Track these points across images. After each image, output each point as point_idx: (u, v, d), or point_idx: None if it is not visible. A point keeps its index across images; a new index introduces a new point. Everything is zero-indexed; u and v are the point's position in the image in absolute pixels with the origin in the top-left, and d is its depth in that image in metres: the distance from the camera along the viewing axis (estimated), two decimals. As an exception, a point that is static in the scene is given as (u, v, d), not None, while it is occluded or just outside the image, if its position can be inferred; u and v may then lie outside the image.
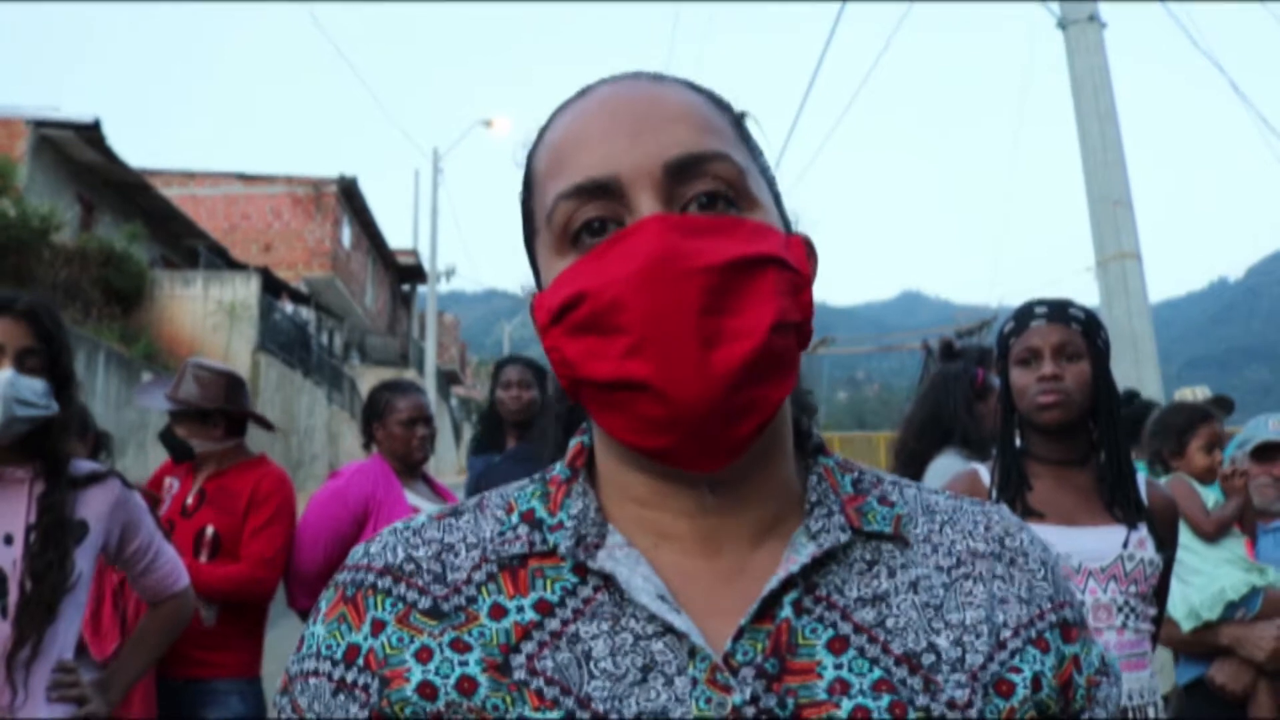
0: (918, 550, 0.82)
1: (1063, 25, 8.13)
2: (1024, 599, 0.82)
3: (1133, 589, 2.17)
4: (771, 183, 0.85)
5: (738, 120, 0.84)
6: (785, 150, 13.16)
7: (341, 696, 0.78)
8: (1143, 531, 2.22)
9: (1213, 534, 3.26)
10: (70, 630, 2.23)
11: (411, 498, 3.58)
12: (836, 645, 0.75)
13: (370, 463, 3.67)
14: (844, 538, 0.79)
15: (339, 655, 0.79)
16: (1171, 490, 3.26)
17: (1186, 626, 3.16)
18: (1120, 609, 2.16)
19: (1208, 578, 3.15)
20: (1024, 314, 2.34)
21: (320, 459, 22.05)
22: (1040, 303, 2.34)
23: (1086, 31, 8.01)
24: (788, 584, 0.76)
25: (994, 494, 2.29)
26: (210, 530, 3.57)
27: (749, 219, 0.76)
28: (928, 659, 0.76)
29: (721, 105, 0.84)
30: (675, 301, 0.70)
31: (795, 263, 0.77)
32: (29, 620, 2.09)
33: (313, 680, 0.80)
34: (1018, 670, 0.78)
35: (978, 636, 0.78)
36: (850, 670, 0.74)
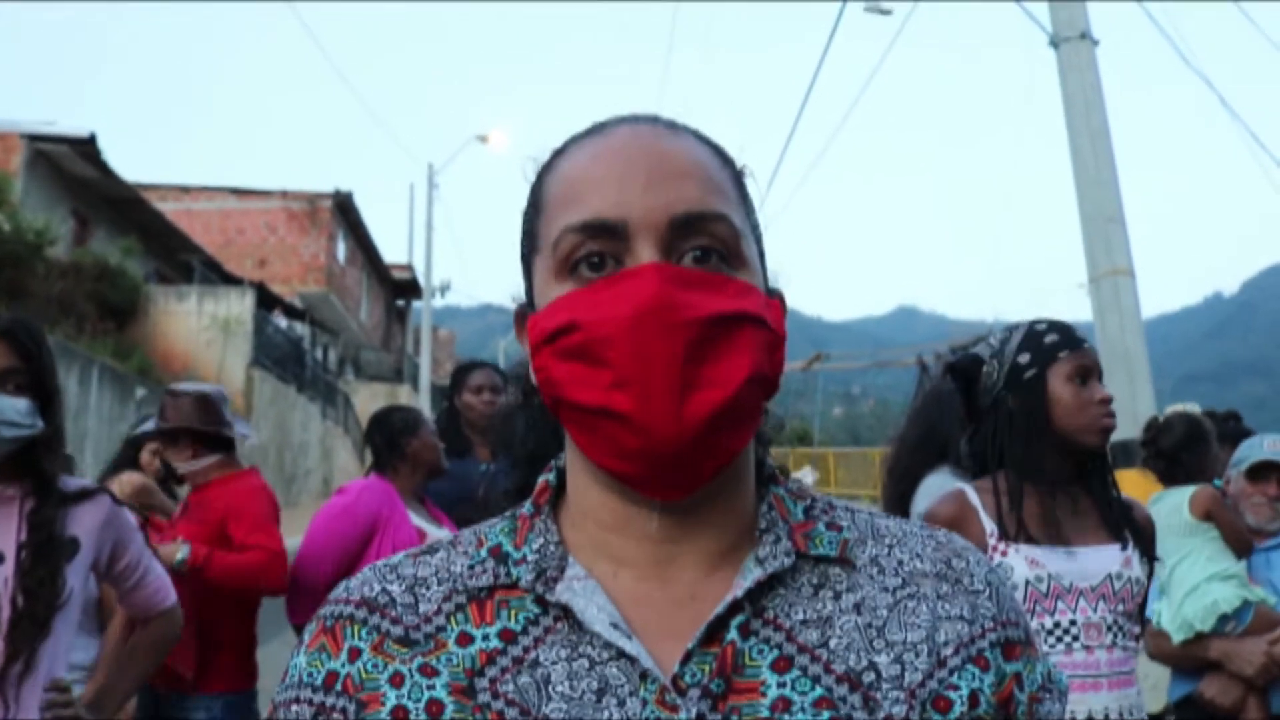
0: (864, 573, 0.86)
1: (1054, 43, 8.16)
2: (966, 618, 0.85)
3: (1120, 607, 2.17)
4: (759, 240, 0.91)
5: (738, 175, 0.90)
6: (780, 165, 13.18)
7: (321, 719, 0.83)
8: (1130, 550, 2.23)
9: (1249, 549, 3.27)
10: (62, 647, 2.23)
11: (414, 518, 3.59)
12: (780, 665, 0.80)
13: (376, 481, 3.69)
14: (789, 562, 0.84)
15: (319, 682, 0.84)
16: (1207, 504, 3.24)
17: (1178, 638, 3.16)
18: (1109, 628, 2.16)
19: (1201, 591, 3.16)
20: (1070, 331, 2.35)
21: (314, 474, 22.02)
22: (1073, 326, 2.36)
23: (1078, 49, 8.04)
24: (735, 608, 0.81)
25: (997, 512, 2.25)
26: (180, 540, 3.62)
27: (737, 278, 0.82)
28: (868, 677, 0.80)
29: (726, 160, 0.90)
30: (662, 348, 0.76)
31: (773, 323, 0.84)
32: (21, 637, 2.09)
33: (294, 707, 0.84)
34: (955, 688, 0.82)
35: (918, 655, 0.82)
36: (793, 689, 0.78)
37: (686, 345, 0.76)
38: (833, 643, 0.81)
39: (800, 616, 0.82)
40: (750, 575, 0.82)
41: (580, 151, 0.87)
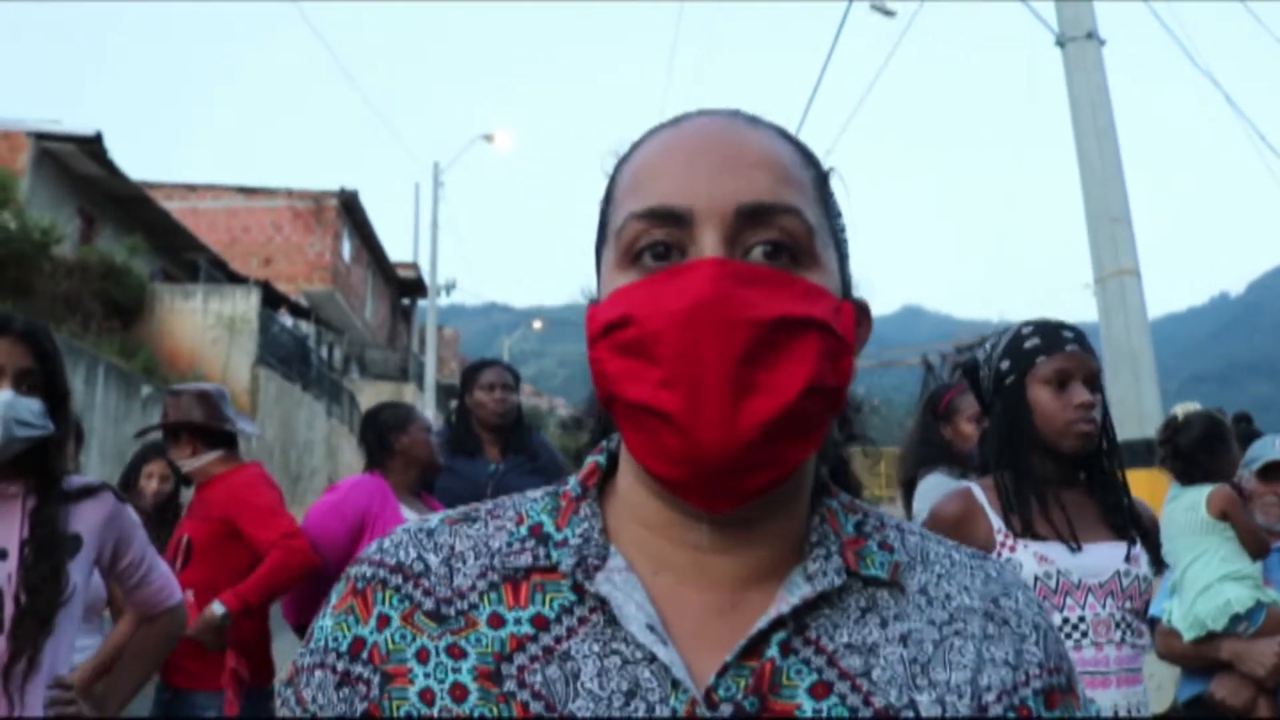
0: (912, 602, 0.83)
1: (1061, 43, 8.14)
2: (1011, 663, 0.82)
3: (1128, 605, 2.18)
4: (841, 244, 0.87)
5: (822, 177, 0.87)
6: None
7: (345, 690, 0.81)
8: (1138, 548, 2.22)
9: (1265, 551, 3.26)
10: (65, 644, 2.23)
11: (408, 514, 3.58)
12: (819, 690, 0.76)
13: (367, 478, 3.69)
14: (839, 581, 0.80)
15: (344, 648, 0.82)
16: (1223, 504, 3.22)
17: (1189, 636, 3.14)
18: (1118, 625, 2.17)
19: (1214, 590, 3.15)
20: (1053, 334, 2.31)
21: (320, 473, 22.02)
22: (1066, 327, 2.32)
23: (1085, 49, 8.02)
24: (777, 623, 0.77)
25: (1003, 512, 2.26)
26: (186, 539, 3.63)
27: (804, 278, 0.78)
28: (907, 714, 0.76)
29: (809, 159, 0.86)
30: (715, 347, 0.72)
31: (841, 330, 0.79)
32: (24, 634, 2.09)
33: (318, 673, 0.82)
34: None
35: (960, 697, 0.79)
36: (828, 717, 0.75)
37: (742, 346, 0.72)
38: (875, 674, 0.77)
39: (845, 640, 0.79)
40: (797, 591, 0.79)
41: (654, 141, 0.85)
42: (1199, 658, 3.20)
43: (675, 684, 0.74)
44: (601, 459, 0.90)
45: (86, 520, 2.28)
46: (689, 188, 0.78)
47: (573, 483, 0.89)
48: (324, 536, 3.52)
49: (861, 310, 0.87)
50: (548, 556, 0.82)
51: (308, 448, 21.58)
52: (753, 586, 0.81)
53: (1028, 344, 2.32)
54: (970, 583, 0.86)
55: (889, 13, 10.63)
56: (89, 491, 2.31)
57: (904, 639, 0.80)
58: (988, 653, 0.81)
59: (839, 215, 0.88)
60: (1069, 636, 2.13)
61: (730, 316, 0.73)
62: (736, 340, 0.72)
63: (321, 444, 22.78)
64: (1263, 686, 3.07)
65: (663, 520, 0.82)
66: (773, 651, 0.76)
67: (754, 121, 0.85)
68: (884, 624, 0.80)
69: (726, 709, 0.74)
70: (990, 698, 0.79)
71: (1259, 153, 9.29)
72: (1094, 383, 2.26)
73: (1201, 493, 3.26)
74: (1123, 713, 2.12)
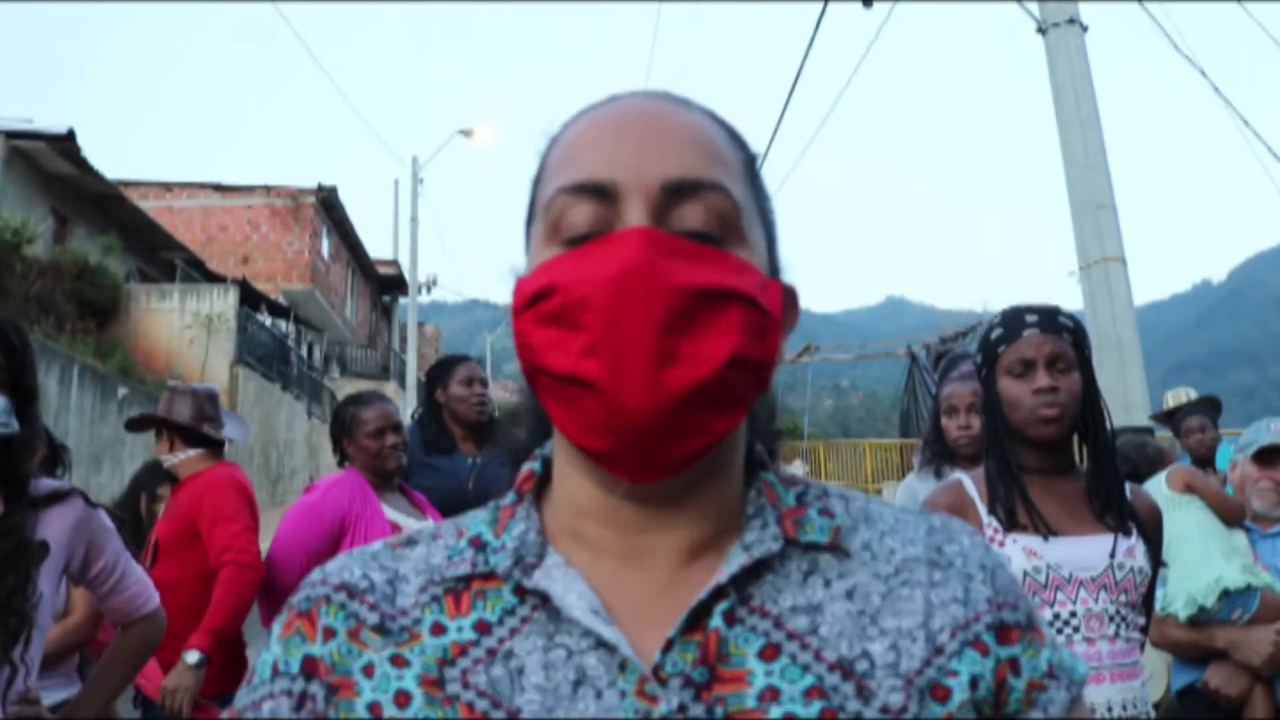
0: (857, 559, 0.83)
1: (1043, 29, 8.13)
2: (960, 601, 0.81)
3: (1123, 598, 2.13)
4: (770, 227, 0.87)
5: (750, 159, 0.87)
6: (767, 156, 13.12)
7: (303, 712, 0.79)
8: (1132, 540, 2.17)
9: (1239, 516, 3.30)
10: (33, 654, 2.15)
11: (389, 511, 3.51)
12: (768, 653, 0.76)
13: (345, 476, 3.60)
14: (776, 547, 0.80)
15: (295, 669, 0.80)
16: (1184, 477, 3.33)
17: (1185, 614, 3.14)
18: (1112, 618, 2.11)
19: (1204, 565, 3.16)
20: (1014, 322, 2.27)
21: (300, 473, 21.92)
22: (1030, 310, 2.27)
23: (1067, 35, 8.02)
24: (719, 594, 0.77)
25: (990, 506, 2.22)
26: (155, 539, 3.59)
27: (732, 254, 0.78)
28: (861, 665, 0.76)
29: (738, 141, 0.87)
30: (639, 313, 0.72)
31: (768, 305, 0.79)
32: None
33: (268, 705, 0.80)
34: (954, 674, 0.78)
35: (913, 641, 0.78)
36: (781, 677, 0.75)
37: (665, 312, 0.72)
38: (823, 630, 0.77)
39: (789, 603, 0.78)
40: (735, 560, 0.78)
41: (584, 119, 0.85)
42: (1194, 646, 3.19)
43: (622, 666, 0.74)
44: (536, 465, 0.89)
45: (54, 526, 2.19)
46: (615, 162, 0.78)
47: (510, 493, 0.89)
48: (302, 538, 3.43)
49: (790, 294, 0.86)
50: (485, 562, 0.82)
51: (288, 448, 21.49)
52: (692, 563, 0.81)
53: (993, 335, 2.31)
54: (914, 535, 0.85)
55: (868, 2, 10.56)
56: (58, 496, 2.22)
57: (849, 594, 0.80)
58: (936, 597, 0.81)
59: (768, 199, 0.88)
60: (1060, 632, 2.09)
61: (655, 283, 0.72)
62: (660, 306, 0.72)
63: (302, 444, 22.69)
64: (1258, 675, 3.05)
65: (597, 505, 0.82)
66: (716, 621, 0.76)
67: (684, 102, 0.85)
68: (828, 584, 0.80)
69: (676, 683, 0.73)
70: (944, 638, 0.79)
71: (1244, 138, 9.29)
72: (1061, 363, 2.20)
73: (1160, 477, 3.39)
74: (1118, 709, 2.08)
